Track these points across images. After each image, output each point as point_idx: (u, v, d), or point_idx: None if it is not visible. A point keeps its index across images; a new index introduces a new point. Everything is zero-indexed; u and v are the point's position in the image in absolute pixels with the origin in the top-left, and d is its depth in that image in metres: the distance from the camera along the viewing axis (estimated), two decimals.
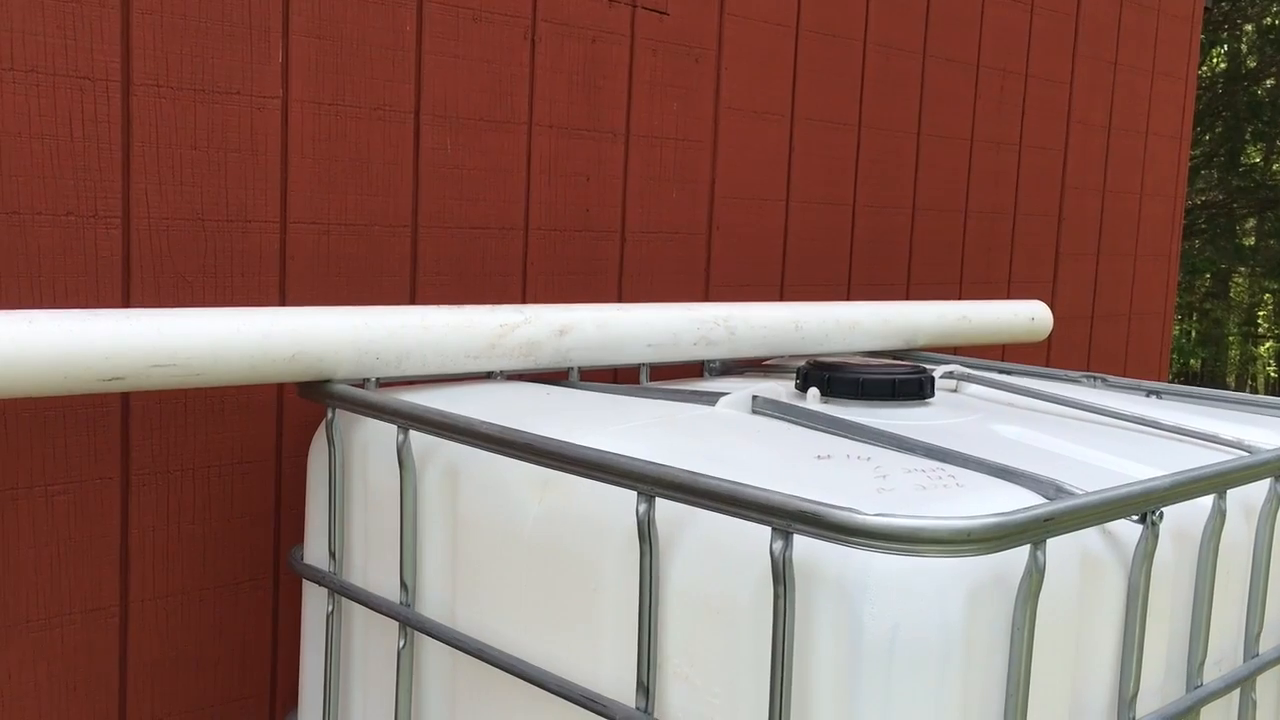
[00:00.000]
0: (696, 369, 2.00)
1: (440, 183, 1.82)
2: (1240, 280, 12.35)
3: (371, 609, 1.45)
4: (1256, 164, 11.15)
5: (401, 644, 1.40)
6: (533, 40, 1.90)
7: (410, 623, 1.39)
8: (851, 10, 2.41)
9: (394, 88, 1.75)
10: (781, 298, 2.37)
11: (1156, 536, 1.14)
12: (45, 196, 1.46)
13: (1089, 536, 1.14)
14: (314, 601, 1.58)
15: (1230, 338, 13.22)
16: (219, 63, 1.58)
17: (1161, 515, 1.13)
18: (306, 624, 1.60)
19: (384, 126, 1.75)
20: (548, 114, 1.94)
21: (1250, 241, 11.69)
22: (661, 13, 2.08)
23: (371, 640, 1.49)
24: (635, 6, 2.04)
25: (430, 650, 1.40)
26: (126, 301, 1.53)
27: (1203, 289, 11.48)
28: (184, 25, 1.54)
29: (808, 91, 2.35)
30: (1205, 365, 12.78)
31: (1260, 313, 13.36)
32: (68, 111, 1.46)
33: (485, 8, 1.84)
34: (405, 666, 1.40)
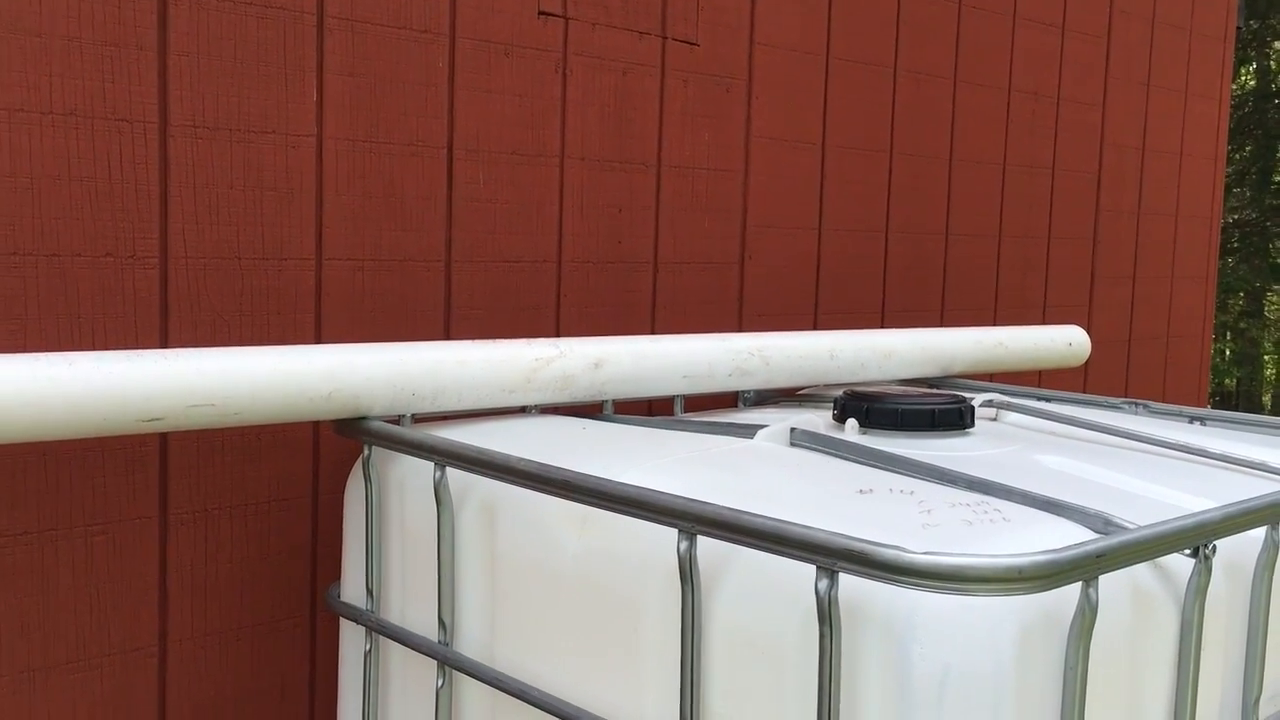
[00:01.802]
0: (730, 399, 1.99)
1: (473, 217, 1.82)
2: (1275, 298, 12.20)
3: (409, 647, 1.44)
4: None
5: (440, 683, 1.39)
6: (564, 73, 1.91)
7: (449, 662, 1.38)
8: (881, 37, 2.41)
9: (426, 123, 1.76)
10: (815, 326, 2.35)
11: (1210, 570, 1.12)
12: (84, 238, 1.47)
13: (1139, 571, 1.11)
14: (351, 640, 1.57)
15: (1266, 356, 13.05)
16: (254, 102, 1.59)
17: (1214, 549, 1.11)
18: (344, 663, 1.59)
19: (417, 162, 1.76)
20: (579, 146, 1.94)
21: None
22: (692, 44, 2.08)
23: (409, 679, 1.48)
24: (665, 38, 2.04)
25: (469, 690, 1.38)
26: (164, 341, 1.54)
27: (1237, 308, 11.36)
28: (219, 66, 1.55)
29: (838, 119, 2.35)
30: (1240, 384, 12.62)
31: None
32: (105, 154, 1.48)
33: (516, 42, 1.85)
34: (444, 706, 1.39)
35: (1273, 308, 12.49)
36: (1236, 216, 10.32)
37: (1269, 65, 11.29)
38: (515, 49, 1.85)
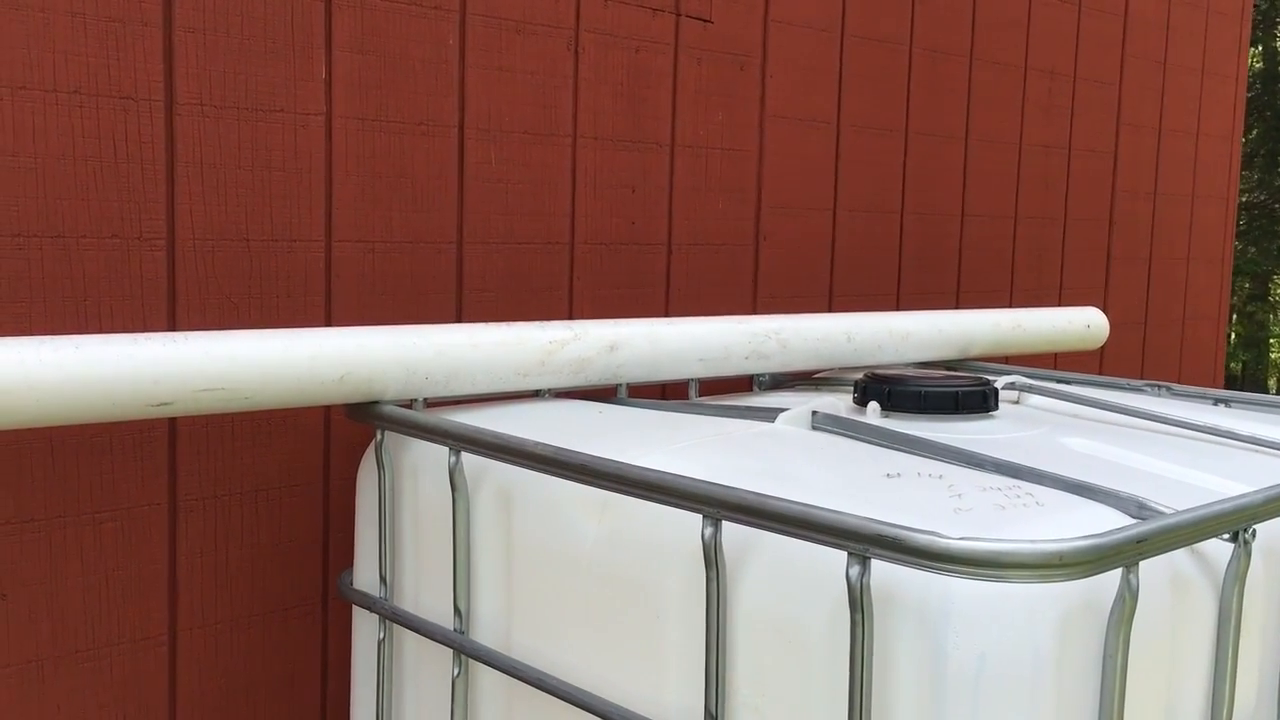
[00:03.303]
0: (745, 383, 1.96)
1: (485, 197, 1.79)
2: None
3: (424, 636, 1.41)
4: None
5: (456, 672, 1.37)
6: (576, 51, 1.87)
7: (464, 650, 1.35)
8: (897, 14, 2.37)
9: (437, 102, 1.73)
10: (830, 308, 2.32)
11: (1249, 555, 1.09)
12: (90, 219, 1.44)
13: (1177, 557, 1.08)
14: (364, 628, 1.54)
15: (1272, 340, 13.01)
16: (262, 80, 1.55)
17: (1255, 533, 1.08)
18: (357, 651, 1.57)
19: (428, 141, 1.72)
20: (592, 125, 1.91)
21: None
22: (705, 20, 2.04)
23: (424, 668, 1.45)
24: (679, 15, 2.00)
25: (485, 678, 1.36)
26: (172, 324, 1.51)
27: (1244, 291, 11.31)
28: (226, 43, 1.52)
29: (854, 98, 2.31)
30: (1246, 368, 12.58)
31: None
32: (111, 133, 1.44)
33: (527, 19, 1.81)
34: (459, 695, 1.37)
35: (1278, 291, 12.44)
36: (1245, 199, 10.27)
37: (1276, 47, 11.21)
38: (527, 26, 1.81)
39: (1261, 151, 10.37)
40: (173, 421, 1.52)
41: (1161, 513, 1.05)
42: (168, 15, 1.47)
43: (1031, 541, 0.88)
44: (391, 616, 1.46)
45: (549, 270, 1.88)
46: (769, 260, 2.20)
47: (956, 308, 2.58)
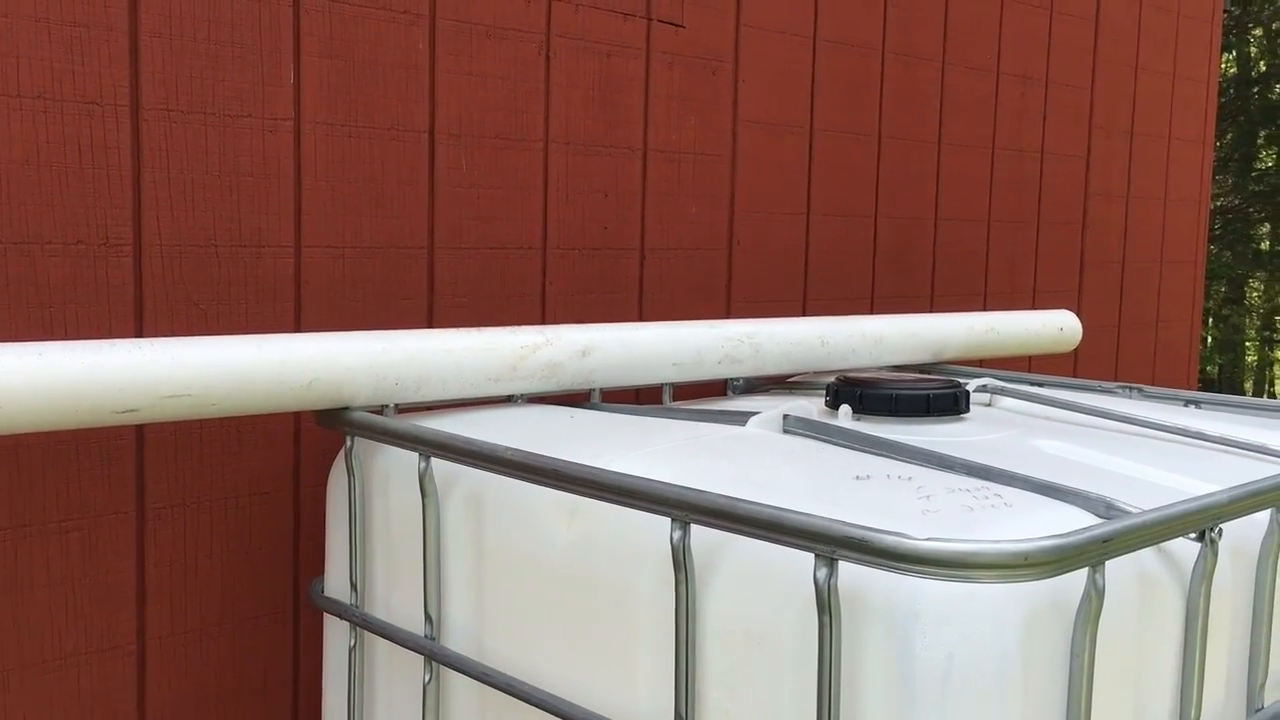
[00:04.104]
0: (719, 388, 1.96)
1: (456, 203, 1.79)
2: (1256, 285, 12.25)
3: (395, 643, 1.40)
4: (1269, 169, 11.08)
5: (427, 678, 1.36)
6: (547, 56, 1.87)
7: (435, 656, 1.35)
8: (869, 19, 2.38)
9: (407, 107, 1.72)
10: (804, 313, 2.32)
11: (1216, 554, 1.09)
12: (54, 226, 1.42)
13: (1144, 556, 1.09)
14: (335, 635, 1.53)
15: (1248, 343, 13.11)
16: (229, 85, 1.55)
17: (1221, 532, 1.08)
18: (328, 659, 1.56)
19: (398, 146, 1.72)
20: (564, 130, 1.90)
21: (1265, 246, 11.61)
22: (677, 25, 2.04)
23: (395, 675, 1.44)
24: (650, 20, 2.00)
25: (456, 685, 1.35)
26: (139, 331, 1.50)
27: (1220, 295, 11.40)
28: (193, 47, 1.51)
29: (827, 103, 2.31)
30: (1222, 371, 12.67)
31: (1278, 317, 13.26)
32: (76, 138, 1.43)
33: (498, 24, 1.81)
34: (431, 702, 1.36)
35: (1255, 294, 12.54)
36: (1220, 203, 10.35)
37: (1249, 52, 11.31)
38: (498, 30, 1.81)
39: (1235, 156, 10.46)
40: (140, 429, 1.51)
41: (1128, 513, 1.06)
42: (133, 20, 1.46)
43: (997, 542, 0.88)
44: (362, 624, 1.45)
45: (521, 276, 1.87)
46: (742, 265, 2.20)
47: (931, 311, 2.58)
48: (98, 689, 1.51)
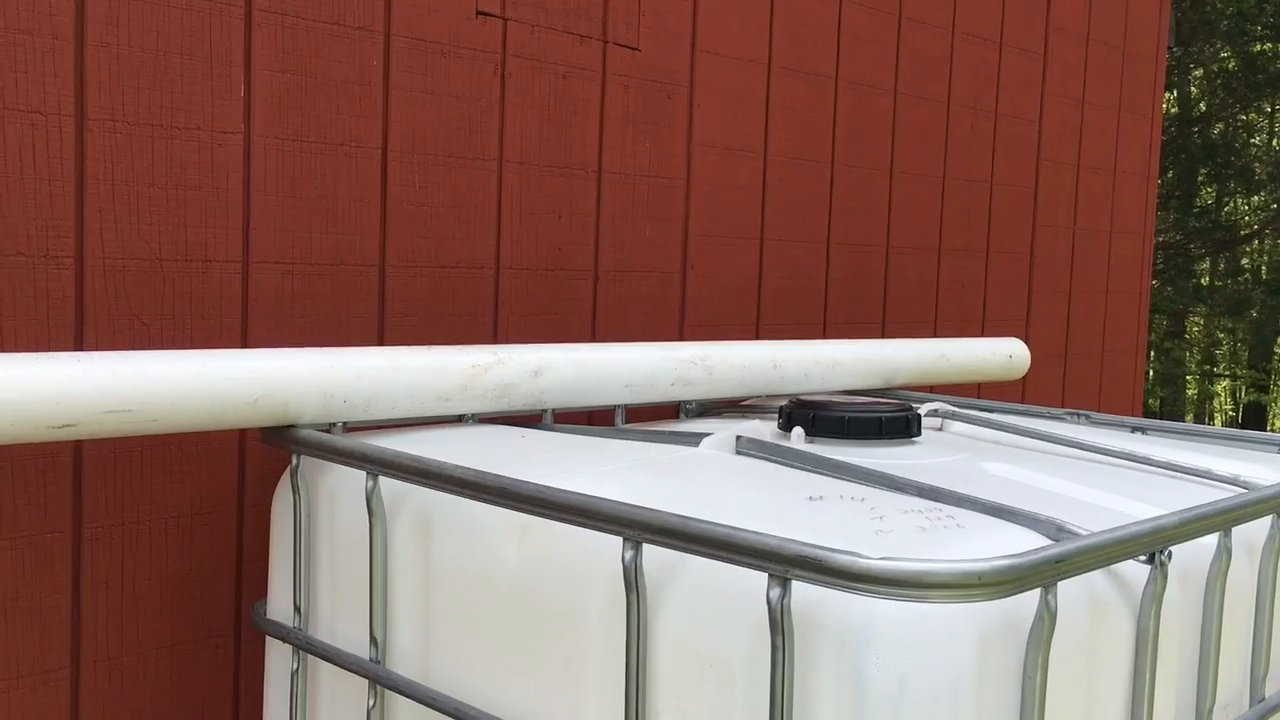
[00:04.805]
0: (672, 411, 1.95)
1: (408, 221, 1.77)
2: (1197, 320, 12.50)
3: (339, 666, 1.37)
4: (1209, 206, 11.34)
5: (371, 703, 1.33)
6: (503, 76, 1.86)
7: (380, 680, 1.32)
8: (823, 47, 2.40)
9: (360, 123, 1.70)
10: (757, 337, 2.32)
11: (1165, 577, 1.10)
12: None
13: (1095, 579, 1.09)
14: (278, 659, 1.50)
15: (1189, 377, 13.36)
16: (178, 97, 1.52)
17: (1170, 555, 1.09)
18: (270, 683, 1.52)
19: (350, 163, 1.70)
20: (519, 150, 1.89)
21: (1205, 281, 11.86)
22: (633, 49, 2.05)
23: (339, 700, 1.41)
24: (607, 42, 2.00)
25: (402, 710, 1.32)
26: (79, 345, 1.46)
27: (1162, 328, 11.61)
28: (141, 58, 1.49)
29: (781, 129, 2.33)
30: (1164, 405, 12.90)
31: (1218, 351, 13.53)
32: (18, 147, 1.40)
33: (454, 43, 1.80)
34: None
35: (1195, 329, 12.79)
36: (1161, 239, 10.56)
37: (1190, 91, 11.59)
38: (452, 49, 1.80)
39: (1176, 193, 10.69)
40: (78, 446, 1.47)
41: (1079, 534, 1.06)
42: (80, 29, 1.44)
43: (951, 561, 0.88)
44: (306, 647, 1.42)
45: (473, 295, 1.86)
46: (696, 288, 2.20)
47: (883, 337, 2.60)
48: (29, 714, 1.46)
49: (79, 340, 1.46)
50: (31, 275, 1.42)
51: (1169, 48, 3.64)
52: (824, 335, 2.47)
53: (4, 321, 1.40)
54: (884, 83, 2.55)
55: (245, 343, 1.60)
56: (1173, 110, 11.21)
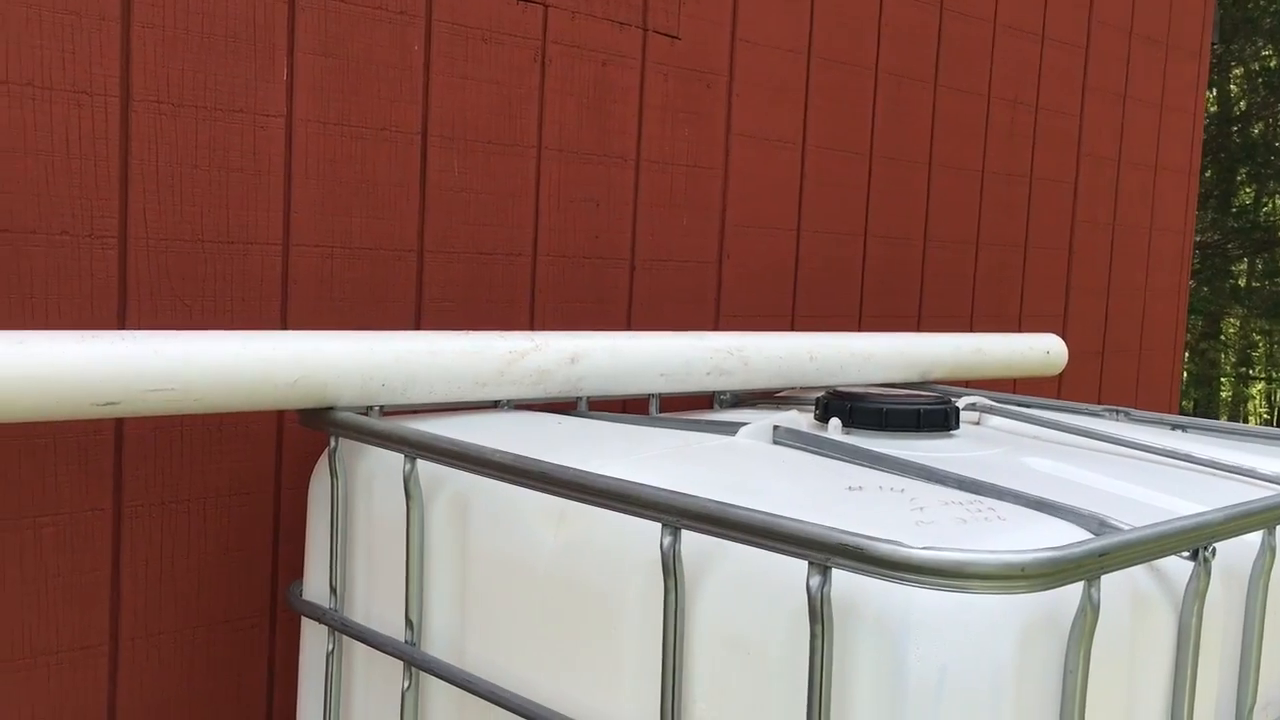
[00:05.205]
0: (706, 401, 1.94)
1: (447, 206, 1.77)
2: (1233, 321, 12.36)
3: (374, 648, 1.38)
4: (1247, 206, 11.19)
5: (406, 685, 1.33)
6: (543, 62, 1.86)
7: (415, 662, 1.32)
8: (863, 38, 2.38)
9: (401, 108, 1.71)
10: (792, 328, 2.32)
11: (1209, 574, 1.08)
12: (39, 215, 1.40)
13: (1137, 574, 1.08)
14: (313, 640, 1.51)
15: (1224, 379, 13.21)
16: (222, 79, 1.53)
17: (1214, 551, 1.08)
18: (305, 664, 1.53)
19: (390, 148, 1.70)
20: (557, 138, 1.89)
21: (1243, 282, 11.71)
22: (673, 37, 2.04)
23: (374, 681, 1.42)
24: (646, 30, 2.00)
25: (437, 692, 1.33)
26: (122, 324, 1.47)
27: (1197, 329, 11.49)
28: (186, 40, 1.49)
29: (819, 119, 2.31)
30: (1197, 406, 12.77)
31: (1254, 353, 13.37)
32: (64, 127, 1.41)
33: (495, 29, 1.80)
34: (410, 709, 1.33)
35: (1231, 330, 12.65)
36: (1199, 239, 10.43)
37: (1230, 89, 11.44)
38: (493, 35, 1.80)
39: (1215, 192, 10.56)
40: (120, 424, 1.49)
41: (1122, 529, 1.05)
42: (126, 10, 1.45)
43: (995, 552, 0.87)
44: (341, 628, 1.42)
45: (510, 282, 1.86)
46: (732, 278, 2.19)
47: (918, 331, 2.58)
48: (68, 690, 1.47)
49: (121, 319, 1.47)
50: (76, 254, 1.43)
51: (1211, 44, 3.59)
52: (859, 327, 2.46)
53: (49, 300, 1.41)
54: (924, 74, 2.53)
55: (285, 325, 1.61)
56: (1212, 108, 11.08)
